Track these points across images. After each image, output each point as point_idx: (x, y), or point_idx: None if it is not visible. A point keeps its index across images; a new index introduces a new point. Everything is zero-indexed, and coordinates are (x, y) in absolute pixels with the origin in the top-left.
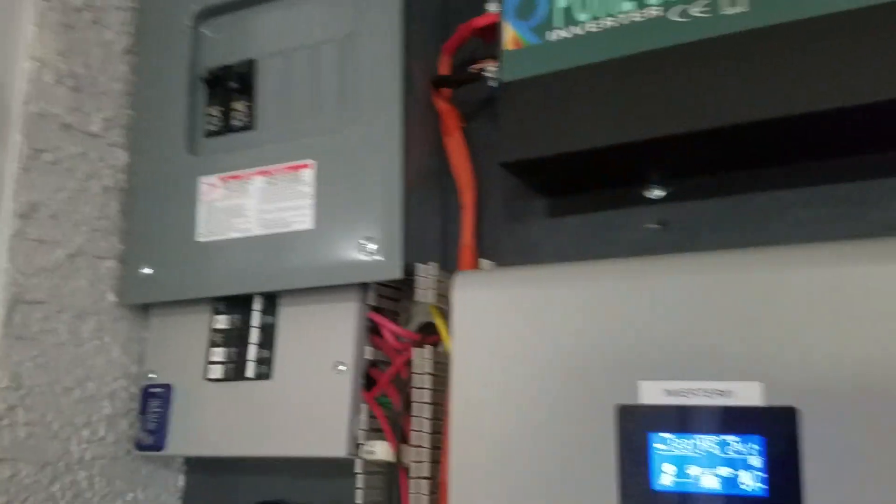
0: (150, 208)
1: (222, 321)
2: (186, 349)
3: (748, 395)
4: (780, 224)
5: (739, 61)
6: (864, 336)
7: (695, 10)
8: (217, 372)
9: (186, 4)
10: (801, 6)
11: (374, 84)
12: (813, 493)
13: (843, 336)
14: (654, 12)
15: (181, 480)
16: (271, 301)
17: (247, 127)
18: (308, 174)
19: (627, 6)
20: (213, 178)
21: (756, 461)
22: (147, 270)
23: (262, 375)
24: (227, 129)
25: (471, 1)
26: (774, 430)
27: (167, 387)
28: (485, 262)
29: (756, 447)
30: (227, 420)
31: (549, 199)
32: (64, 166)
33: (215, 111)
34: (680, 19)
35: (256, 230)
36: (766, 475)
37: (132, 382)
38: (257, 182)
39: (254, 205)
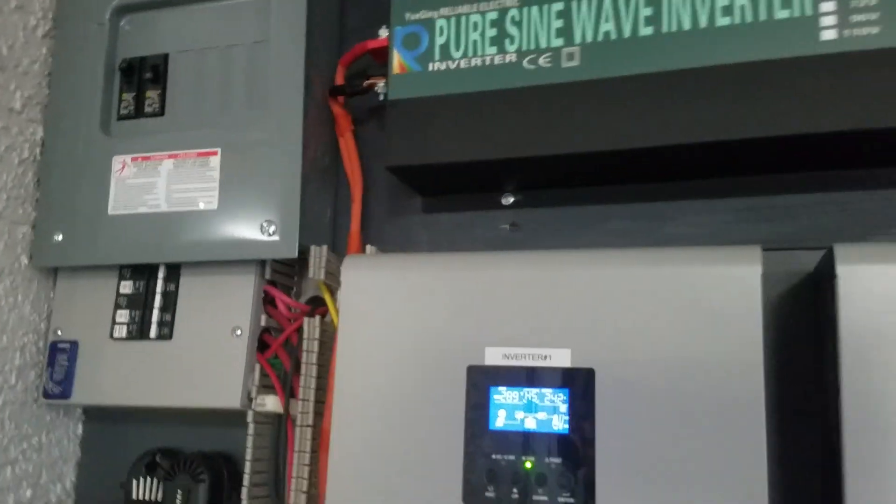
0: (64, 181)
1: (127, 286)
2: (92, 310)
3: (561, 359)
4: (601, 231)
5: (572, 103)
6: (647, 320)
7: (541, 61)
8: (121, 331)
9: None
10: (619, 67)
11: (278, 87)
12: (601, 431)
13: (631, 319)
14: (511, 58)
15: (80, 428)
16: (174, 271)
17: (157, 114)
18: (215, 160)
19: (491, 50)
20: (125, 158)
21: (563, 408)
22: (58, 237)
23: (164, 336)
24: (139, 113)
25: (364, 20)
26: (577, 385)
27: (74, 343)
28: (370, 248)
29: (564, 397)
30: (130, 374)
31: (425, 198)
32: None
33: (129, 97)
34: (530, 66)
35: (164, 207)
36: (569, 418)
37: (40, 338)
38: (167, 164)
39: (163, 184)
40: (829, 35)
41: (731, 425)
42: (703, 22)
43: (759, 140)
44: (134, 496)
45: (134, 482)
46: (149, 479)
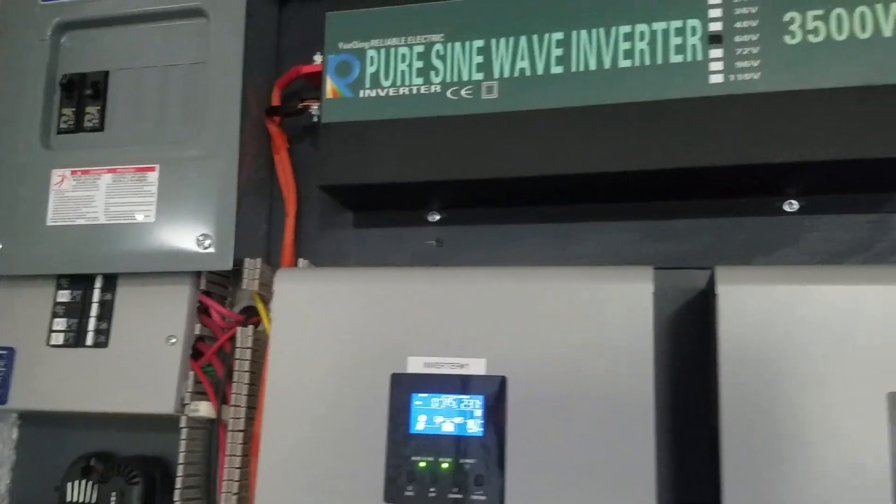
0: (4, 192)
1: (65, 295)
2: (30, 318)
3: (477, 367)
4: (517, 247)
5: (491, 132)
6: (553, 332)
7: (463, 92)
8: (58, 339)
9: (46, 16)
10: (533, 101)
11: (216, 106)
12: (512, 433)
13: (540, 331)
14: (436, 88)
15: (15, 433)
16: (111, 280)
17: (97, 129)
18: (153, 175)
19: (417, 80)
20: (65, 171)
21: (479, 412)
22: None
23: (100, 344)
24: (79, 128)
25: (301, 42)
26: (491, 391)
27: (10, 350)
28: (302, 262)
29: (479, 403)
30: (66, 380)
31: (356, 214)
32: None
33: (69, 112)
34: (453, 97)
35: (103, 219)
36: (483, 422)
37: None
38: (106, 178)
39: (101, 197)
40: (716, 79)
41: (623, 429)
42: (607, 63)
43: (654, 171)
44: (68, 499)
45: (69, 485)
46: (83, 482)
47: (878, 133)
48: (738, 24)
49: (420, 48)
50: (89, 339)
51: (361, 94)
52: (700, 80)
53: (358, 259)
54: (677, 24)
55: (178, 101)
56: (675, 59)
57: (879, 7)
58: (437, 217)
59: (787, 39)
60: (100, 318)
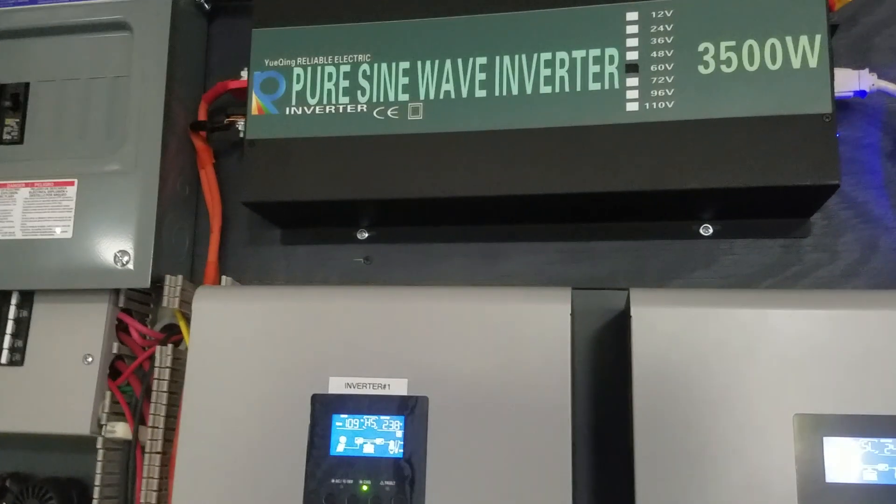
0: None
1: None
2: None
3: (398, 388)
4: (445, 265)
5: (416, 153)
6: (475, 352)
7: (390, 112)
8: None
9: None
10: (457, 123)
11: (137, 120)
12: (432, 453)
13: (461, 351)
14: (362, 108)
15: None
16: (28, 297)
17: (16, 141)
18: (71, 190)
19: (344, 100)
20: None
21: (399, 433)
22: None
23: (15, 362)
24: None
25: (230, 59)
26: (413, 412)
27: None
28: (225, 279)
29: (400, 424)
30: None
31: (284, 231)
32: None
33: None
34: (379, 117)
35: (19, 234)
36: (403, 443)
37: None
38: (23, 192)
39: (18, 212)
40: (632, 107)
41: (542, 448)
42: (528, 89)
43: (573, 194)
44: None
45: None
46: None
47: (787, 161)
48: (653, 54)
49: (346, 67)
50: (4, 357)
51: (287, 111)
52: (617, 108)
53: (286, 276)
54: (596, 52)
55: (101, 114)
56: (594, 86)
57: (789, 39)
58: (366, 235)
59: (701, 69)
60: (15, 335)
